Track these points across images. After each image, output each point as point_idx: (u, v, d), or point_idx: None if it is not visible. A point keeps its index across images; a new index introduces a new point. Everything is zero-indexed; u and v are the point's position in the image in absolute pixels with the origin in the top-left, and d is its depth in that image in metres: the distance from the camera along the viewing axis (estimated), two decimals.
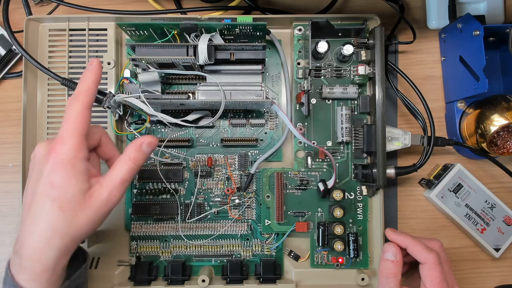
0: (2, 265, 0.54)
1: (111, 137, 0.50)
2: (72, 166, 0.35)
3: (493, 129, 0.49)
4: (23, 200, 0.37)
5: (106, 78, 0.50)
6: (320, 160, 0.51)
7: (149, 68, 0.46)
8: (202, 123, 0.50)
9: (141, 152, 0.38)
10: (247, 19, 0.45)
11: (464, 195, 0.53)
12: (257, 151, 0.52)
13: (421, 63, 0.57)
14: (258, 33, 0.46)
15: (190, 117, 0.49)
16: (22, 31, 0.49)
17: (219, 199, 0.51)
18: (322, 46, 0.48)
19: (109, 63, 0.50)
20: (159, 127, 0.52)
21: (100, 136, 0.40)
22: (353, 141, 0.50)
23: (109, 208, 0.37)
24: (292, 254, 0.51)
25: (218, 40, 0.45)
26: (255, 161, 0.50)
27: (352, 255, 0.49)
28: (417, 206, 0.56)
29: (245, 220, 0.51)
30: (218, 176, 0.52)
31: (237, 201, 0.51)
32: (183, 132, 0.52)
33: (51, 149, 0.35)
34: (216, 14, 0.55)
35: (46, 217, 0.34)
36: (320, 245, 0.49)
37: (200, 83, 0.47)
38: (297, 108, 0.51)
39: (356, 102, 0.51)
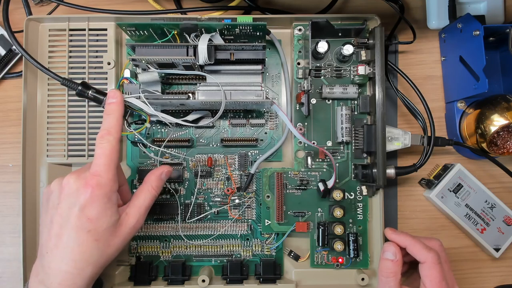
0: (2, 265, 0.54)
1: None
2: (108, 199, 0.36)
3: (493, 129, 0.49)
4: (43, 230, 0.38)
5: (106, 78, 0.50)
6: (320, 160, 0.51)
7: (149, 68, 0.46)
8: (202, 123, 0.50)
9: (161, 181, 0.42)
10: (247, 19, 0.45)
11: (464, 195, 0.53)
12: (257, 151, 0.52)
13: (421, 63, 0.57)
14: (258, 33, 0.46)
15: (190, 117, 0.49)
16: (22, 31, 0.49)
17: (219, 199, 0.51)
18: (322, 46, 0.48)
19: (109, 63, 0.50)
20: (159, 127, 0.52)
21: None
22: (353, 141, 0.50)
23: (134, 234, 0.40)
24: (292, 254, 0.51)
25: (218, 40, 0.45)
26: (255, 161, 0.50)
27: (352, 255, 0.49)
28: (417, 206, 0.56)
29: (245, 220, 0.51)
30: (218, 176, 0.52)
31: (237, 201, 0.51)
32: (183, 132, 0.52)
33: (87, 183, 0.36)
34: (216, 14, 0.55)
35: (81, 249, 0.36)
36: (320, 245, 0.49)
37: (200, 83, 0.47)
38: (297, 108, 0.51)
39: (356, 102, 0.51)
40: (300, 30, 0.51)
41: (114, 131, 0.38)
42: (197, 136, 0.52)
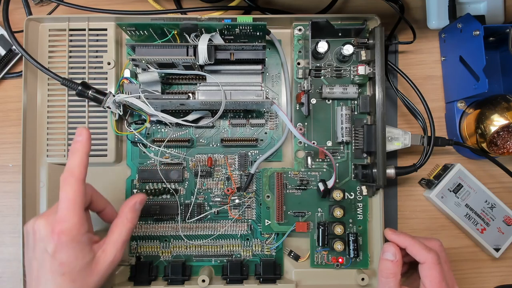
0: (2, 265, 0.54)
1: (111, 137, 0.50)
2: (77, 243, 0.36)
3: (493, 129, 0.49)
4: (27, 270, 0.38)
5: (106, 78, 0.50)
6: (320, 160, 0.51)
7: (149, 68, 0.46)
8: (202, 123, 0.50)
9: (136, 211, 0.41)
10: (247, 19, 0.45)
11: (464, 195, 0.53)
12: (257, 151, 0.52)
13: (421, 63, 0.57)
14: (258, 33, 0.46)
15: (190, 117, 0.49)
16: (22, 31, 0.49)
17: (219, 199, 0.51)
18: (322, 46, 0.48)
19: (109, 63, 0.50)
20: (159, 127, 0.52)
21: (90, 195, 0.41)
22: (353, 141, 0.50)
23: (113, 268, 0.40)
24: (292, 254, 0.51)
25: (218, 40, 0.45)
26: (255, 161, 0.50)
27: (352, 255, 0.49)
28: (417, 206, 0.56)
29: (245, 220, 0.51)
30: (218, 176, 0.52)
31: (237, 201, 0.51)
32: (183, 132, 0.52)
33: (53, 230, 0.36)
34: (216, 14, 0.55)
35: None
36: (320, 245, 0.49)
37: (200, 83, 0.47)
38: (297, 108, 0.51)
39: (356, 102, 0.51)
40: (300, 30, 0.51)
41: (78, 172, 0.37)
42: (197, 136, 0.52)
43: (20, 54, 0.55)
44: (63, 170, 0.39)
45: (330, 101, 0.51)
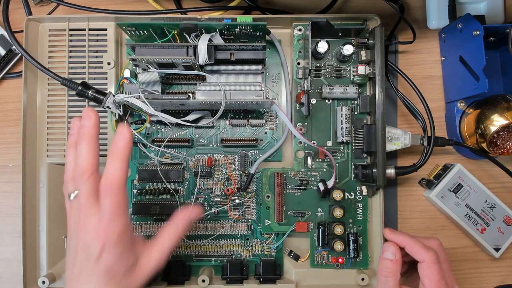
0: (2, 265, 0.54)
1: (111, 137, 0.50)
2: (122, 247, 0.36)
3: (493, 129, 0.49)
4: (67, 268, 0.37)
5: (106, 78, 0.50)
6: (320, 160, 0.51)
7: (149, 68, 0.46)
8: (202, 123, 0.50)
9: (189, 224, 0.41)
10: (247, 19, 0.45)
11: (464, 195, 0.53)
12: (257, 151, 0.52)
13: (421, 63, 0.57)
14: (258, 33, 0.46)
15: (190, 117, 0.49)
16: (22, 31, 0.49)
17: (219, 199, 0.51)
18: (322, 46, 0.48)
19: (109, 63, 0.50)
20: (159, 127, 0.52)
21: None
22: (353, 141, 0.50)
23: (155, 272, 0.39)
24: (292, 254, 0.51)
25: (218, 40, 0.45)
26: (255, 161, 0.50)
27: (352, 255, 0.49)
28: (417, 206, 0.56)
29: (245, 220, 0.51)
30: (218, 176, 0.52)
31: (237, 201, 0.51)
32: (183, 132, 0.52)
33: (99, 236, 0.35)
34: (216, 14, 0.55)
35: None
36: (320, 245, 0.49)
37: (200, 83, 0.47)
38: (297, 108, 0.51)
39: (356, 102, 0.51)
40: (300, 30, 0.51)
41: (121, 178, 0.36)
42: (197, 136, 0.52)
43: (20, 54, 0.55)
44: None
45: (330, 101, 0.51)
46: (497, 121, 0.49)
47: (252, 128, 0.52)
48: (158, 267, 0.38)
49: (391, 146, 0.49)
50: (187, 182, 0.51)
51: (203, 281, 0.47)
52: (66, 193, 0.38)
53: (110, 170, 0.36)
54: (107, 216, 0.35)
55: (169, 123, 0.50)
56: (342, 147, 0.51)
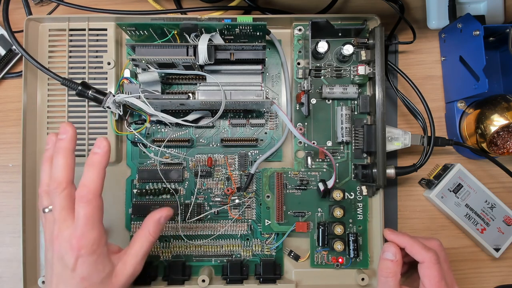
0: (2, 265, 0.54)
1: (111, 137, 0.50)
2: (97, 255, 0.36)
3: (493, 129, 0.49)
4: (46, 277, 0.38)
5: (106, 78, 0.50)
6: (320, 160, 0.51)
7: (149, 68, 0.46)
8: (202, 123, 0.50)
9: (160, 226, 0.41)
10: (247, 19, 0.45)
11: (464, 195, 0.53)
12: (257, 151, 0.52)
13: (421, 63, 0.57)
14: (258, 33, 0.46)
15: (190, 117, 0.49)
16: (22, 31, 0.49)
17: (219, 199, 0.51)
18: (322, 46, 0.48)
19: (109, 63, 0.50)
20: (159, 127, 0.52)
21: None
22: (353, 141, 0.50)
23: (133, 279, 0.40)
24: (292, 254, 0.51)
25: (218, 40, 0.45)
26: (255, 161, 0.50)
27: (352, 255, 0.49)
28: (417, 206, 0.56)
29: (245, 220, 0.51)
30: (218, 176, 0.52)
31: (237, 201, 0.51)
32: (183, 132, 0.52)
33: (73, 246, 0.35)
34: (216, 14, 0.55)
35: None
36: (320, 245, 0.49)
37: (200, 83, 0.47)
38: (297, 108, 0.51)
39: (356, 102, 0.51)
40: (300, 30, 0.51)
41: (95, 188, 0.36)
42: (197, 136, 0.52)
43: (20, 54, 0.55)
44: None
45: (330, 101, 0.51)
46: (497, 121, 0.49)
47: (252, 128, 0.52)
48: (135, 274, 0.40)
49: (391, 146, 0.49)
50: (187, 182, 0.51)
51: (203, 281, 0.47)
52: (40, 207, 0.39)
53: (86, 180, 0.36)
54: (81, 226, 0.36)
55: (169, 123, 0.50)
56: (342, 147, 0.51)
